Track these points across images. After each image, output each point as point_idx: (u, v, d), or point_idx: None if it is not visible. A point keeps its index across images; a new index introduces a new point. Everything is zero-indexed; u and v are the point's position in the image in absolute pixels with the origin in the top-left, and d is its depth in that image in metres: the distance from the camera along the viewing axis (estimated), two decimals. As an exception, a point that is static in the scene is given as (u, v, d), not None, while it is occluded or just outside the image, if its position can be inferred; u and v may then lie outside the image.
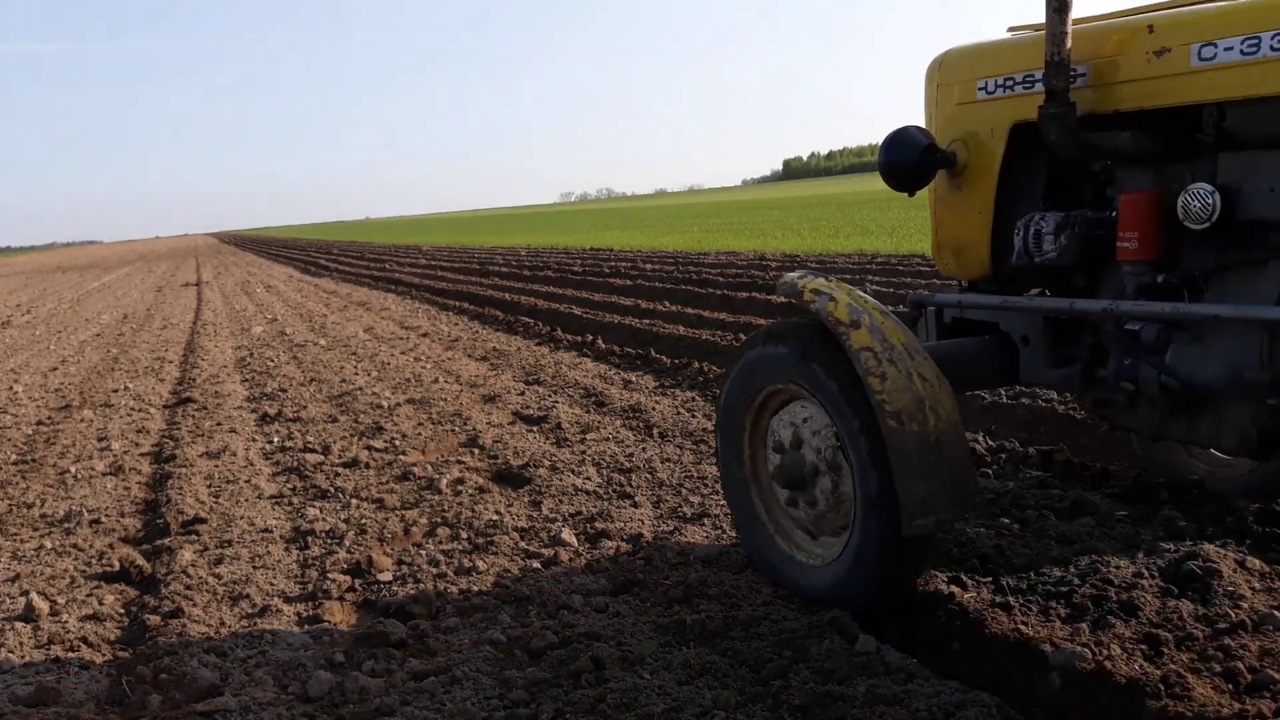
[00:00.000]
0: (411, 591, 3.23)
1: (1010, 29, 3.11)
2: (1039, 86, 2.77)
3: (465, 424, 5.85)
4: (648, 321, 9.40)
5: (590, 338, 8.70)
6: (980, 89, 3.11)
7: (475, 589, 3.24)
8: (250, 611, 3.22)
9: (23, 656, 3.01)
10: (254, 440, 5.88)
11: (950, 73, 3.27)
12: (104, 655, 3.06)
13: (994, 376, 3.22)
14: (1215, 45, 2.43)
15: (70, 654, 3.02)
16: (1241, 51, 2.37)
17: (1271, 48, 2.31)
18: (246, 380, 8.22)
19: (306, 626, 3.08)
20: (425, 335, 10.44)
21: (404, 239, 51.17)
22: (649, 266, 16.34)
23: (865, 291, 3.54)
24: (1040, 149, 2.91)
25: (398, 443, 5.49)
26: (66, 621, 3.28)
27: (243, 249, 54.66)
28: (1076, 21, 2.71)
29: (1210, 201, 2.46)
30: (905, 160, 3.13)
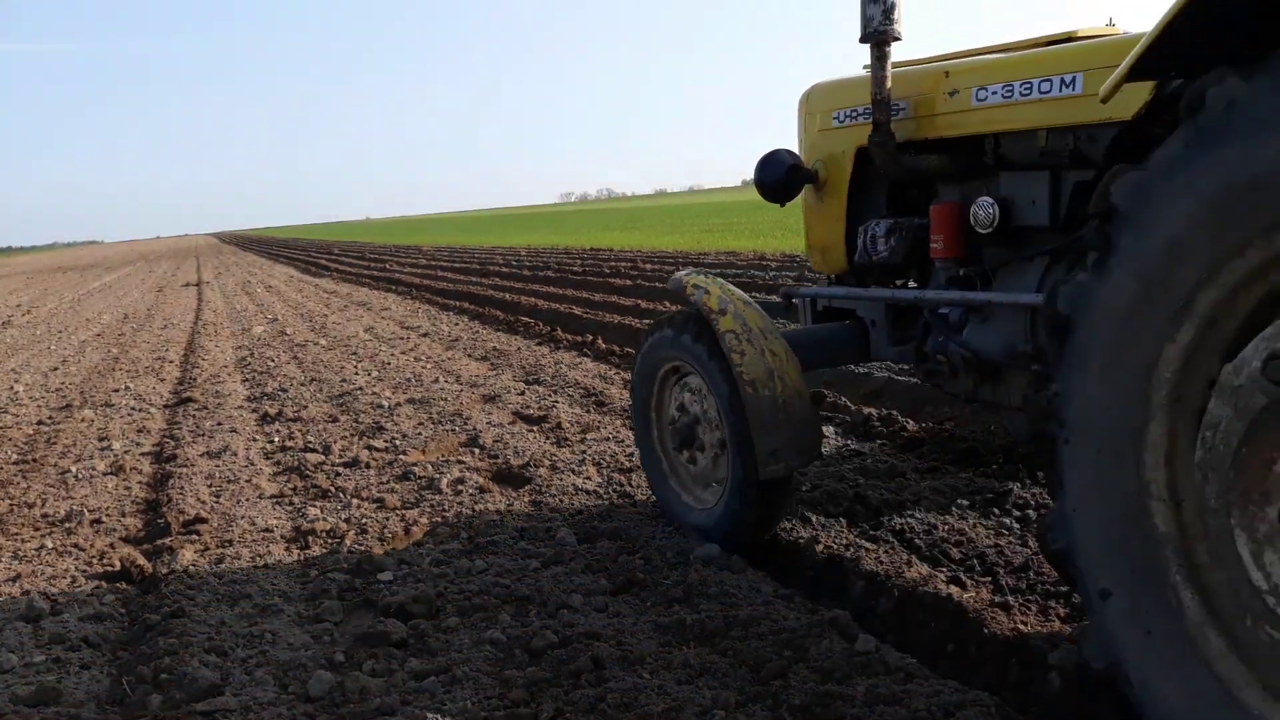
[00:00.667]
0: (411, 591, 3.23)
1: (865, 66, 3.51)
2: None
3: (465, 424, 5.86)
4: (648, 321, 9.39)
5: (590, 337, 8.71)
6: (835, 119, 3.78)
7: (475, 589, 3.25)
8: (250, 611, 3.22)
9: (24, 656, 3.02)
10: (254, 440, 5.88)
11: (814, 104, 3.91)
12: (105, 655, 3.06)
13: (853, 354, 3.81)
14: (986, 89, 3.08)
15: (71, 653, 3.03)
16: (1002, 95, 3.03)
17: (1020, 93, 2.97)
18: (247, 380, 8.22)
19: (306, 626, 3.09)
20: (425, 335, 10.44)
21: (404, 239, 51.20)
22: (649, 266, 16.34)
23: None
24: (877, 168, 3.54)
25: (398, 442, 5.50)
26: (67, 621, 3.28)
27: (243, 249, 54.67)
28: (898, 65, 3.40)
29: (991, 211, 3.06)
30: (774, 178, 3.76)
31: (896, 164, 3.38)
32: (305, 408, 6.74)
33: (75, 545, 4.09)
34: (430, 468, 4.90)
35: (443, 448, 5.34)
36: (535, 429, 5.69)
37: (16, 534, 4.33)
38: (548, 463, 4.78)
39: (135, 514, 4.57)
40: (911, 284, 3.69)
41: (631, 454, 4.92)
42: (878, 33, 3.26)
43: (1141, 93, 2.24)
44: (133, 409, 7.26)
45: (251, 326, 12.51)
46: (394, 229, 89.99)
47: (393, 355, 9.05)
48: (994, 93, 3.05)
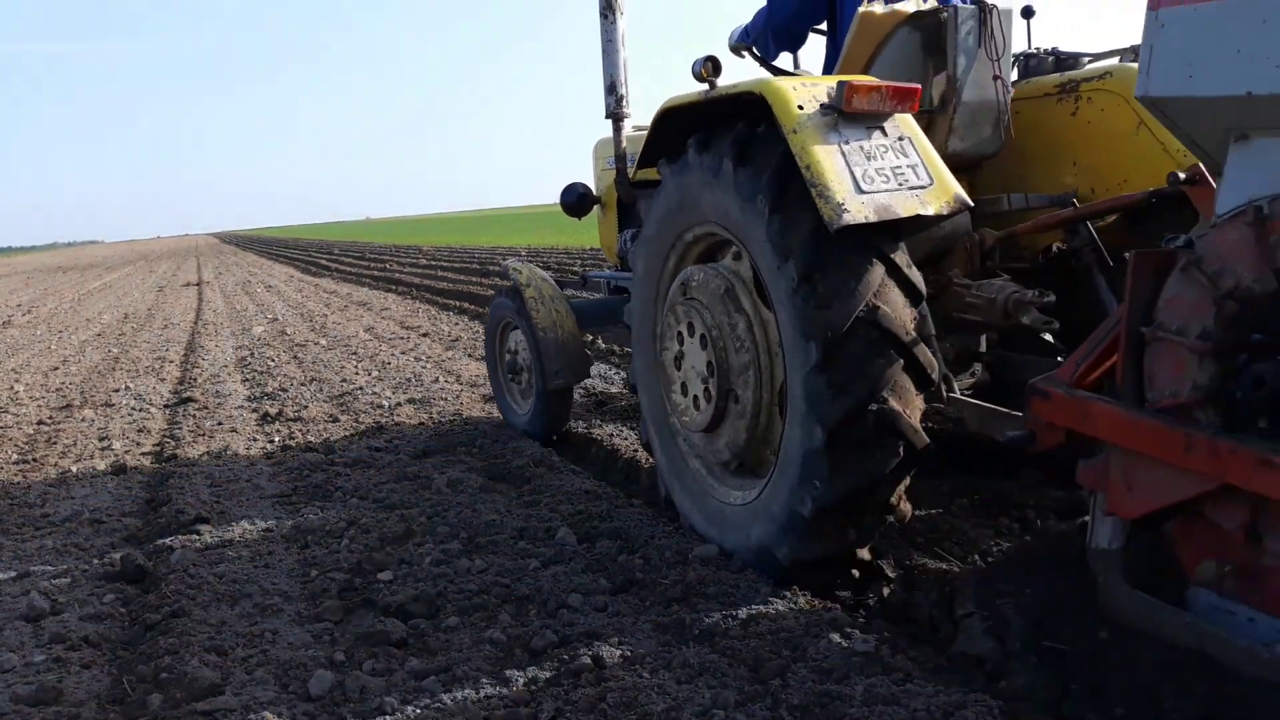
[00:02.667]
0: (411, 591, 3.24)
1: (635, 128, 5.00)
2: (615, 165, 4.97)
3: (465, 424, 5.86)
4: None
5: (590, 337, 8.71)
6: (606, 164, 5.41)
7: (475, 589, 3.25)
8: (250, 611, 3.22)
9: (24, 655, 3.02)
10: (255, 440, 5.89)
11: (597, 153, 5.82)
12: (105, 654, 3.06)
13: (618, 317, 4.70)
14: (632, 157, 4.53)
15: (71, 653, 3.02)
16: (632, 158, 4.44)
17: (630, 159, 4.66)
18: (247, 380, 8.23)
19: (306, 626, 3.09)
20: (426, 335, 10.45)
21: (404, 239, 51.19)
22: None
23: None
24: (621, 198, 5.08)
25: (398, 442, 5.50)
26: (68, 620, 3.28)
27: (243, 249, 54.69)
28: (640, 128, 4.79)
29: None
30: (571, 200, 5.43)
31: (629, 195, 4.87)
32: (305, 408, 6.74)
33: (75, 545, 4.09)
34: (430, 467, 4.90)
35: (442, 447, 5.34)
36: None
37: (17, 534, 4.33)
38: (548, 462, 4.78)
39: (135, 514, 4.57)
40: None
41: (633, 452, 4.95)
42: (614, 114, 4.79)
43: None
44: (133, 409, 7.27)
45: (251, 326, 12.51)
46: (394, 229, 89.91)
47: (393, 355, 9.05)
48: (632, 160, 4.52)
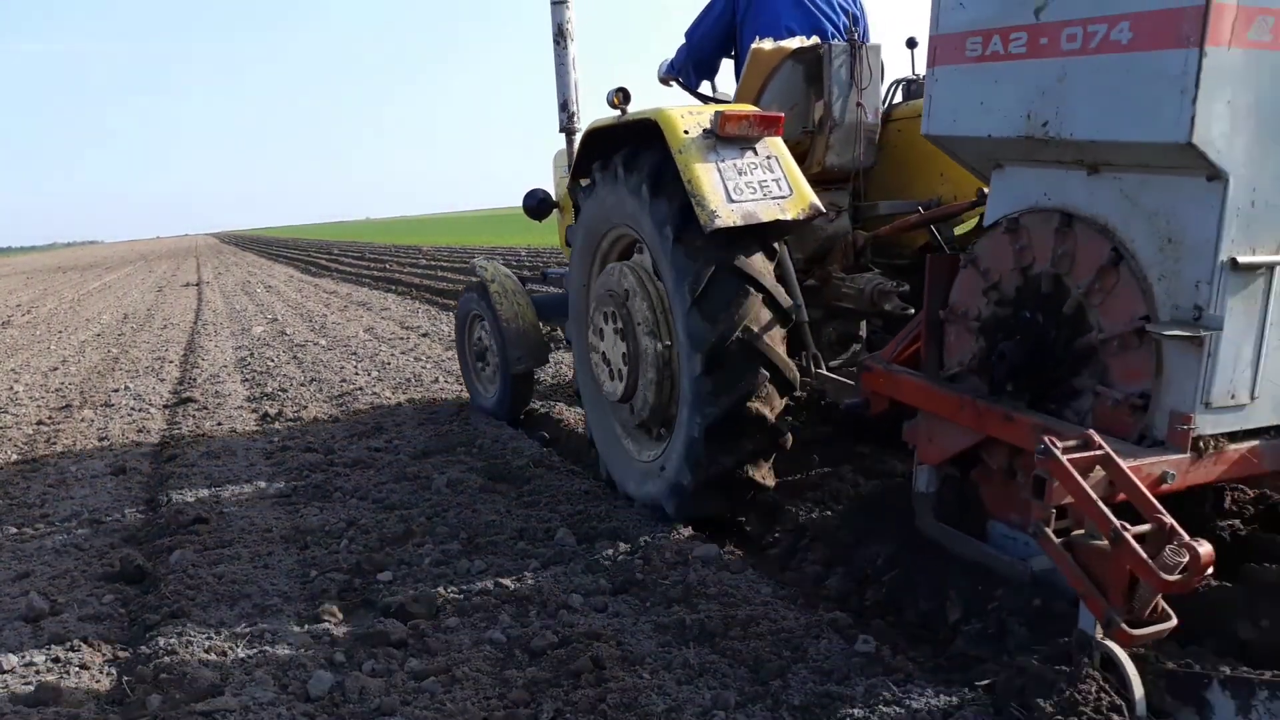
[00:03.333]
0: (411, 592, 3.23)
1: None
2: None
3: (465, 423, 5.86)
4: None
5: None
6: (562, 172, 5.71)
7: (475, 589, 3.25)
8: (250, 611, 3.22)
9: (23, 656, 3.02)
10: (255, 440, 5.88)
11: (556, 162, 6.19)
12: (104, 655, 3.06)
13: None
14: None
15: (71, 653, 3.02)
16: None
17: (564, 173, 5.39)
18: (247, 380, 8.22)
19: (306, 626, 3.09)
20: (425, 335, 10.44)
21: (404, 239, 51.17)
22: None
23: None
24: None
25: (397, 442, 5.50)
26: (67, 621, 3.28)
27: (243, 249, 54.68)
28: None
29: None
30: (532, 205, 5.77)
31: (579, 200, 4.77)
32: (305, 408, 6.74)
33: (75, 545, 4.09)
34: (430, 467, 4.90)
35: (442, 447, 5.33)
36: (535, 428, 5.69)
37: (17, 534, 4.33)
38: (547, 462, 4.78)
39: (135, 514, 4.56)
40: None
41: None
42: (566, 129, 5.30)
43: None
44: (133, 409, 7.26)
45: (251, 326, 12.51)
46: (394, 229, 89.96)
47: (393, 355, 9.05)
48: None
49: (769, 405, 3.50)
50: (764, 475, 3.65)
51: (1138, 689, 2.11)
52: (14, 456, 5.95)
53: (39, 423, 7.00)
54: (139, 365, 9.72)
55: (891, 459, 4.32)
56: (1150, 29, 2.28)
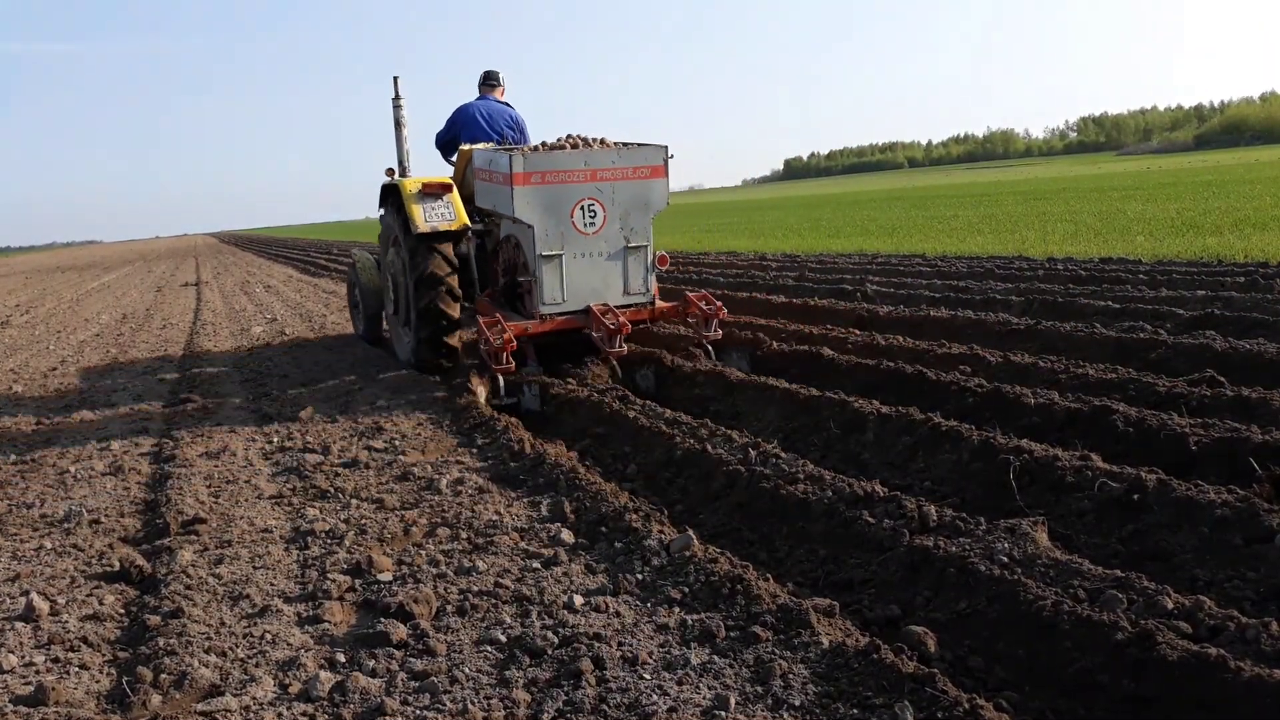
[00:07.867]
0: (411, 591, 3.23)
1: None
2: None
3: (465, 424, 5.85)
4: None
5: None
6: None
7: (475, 589, 3.24)
8: (250, 611, 3.22)
9: (23, 656, 3.01)
10: (253, 440, 5.88)
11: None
12: (104, 655, 3.05)
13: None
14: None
15: (70, 654, 3.02)
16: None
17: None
18: (246, 380, 8.22)
19: (306, 626, 3.08)
20: (425, 335, 10.44)
21: (404, 239, 51.03)
22: (649, 266, 16.31)
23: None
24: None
25: (397, 443, 5.50)
26: (66, 621, 3.28)
27: (242, 249, 54.62)
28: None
29: None
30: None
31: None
32: (305, 408, 6.73)
33: (74, 545, 4.08)
34: (429, 468, 4.90)
35: (442, 448, 5.33)
36: (535, 428, 5.69)
37: (16, 534, 4.33)
38: (548, 462, 4.77)
39: (134, 514, 4.56)
40: None
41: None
42: (394, 181, 7.90)
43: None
44: (132, 409, 7.25)
45: (251, 326, 12.50)
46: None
47: (392, 355, 9.03)
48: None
49: (448, 306, 7.22)
50: (455, 342, 7.41)
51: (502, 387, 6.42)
52: (13, 456, 5.94)
53: (38, 423, 7.00)
54: (138, 365, 9.72)
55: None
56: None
